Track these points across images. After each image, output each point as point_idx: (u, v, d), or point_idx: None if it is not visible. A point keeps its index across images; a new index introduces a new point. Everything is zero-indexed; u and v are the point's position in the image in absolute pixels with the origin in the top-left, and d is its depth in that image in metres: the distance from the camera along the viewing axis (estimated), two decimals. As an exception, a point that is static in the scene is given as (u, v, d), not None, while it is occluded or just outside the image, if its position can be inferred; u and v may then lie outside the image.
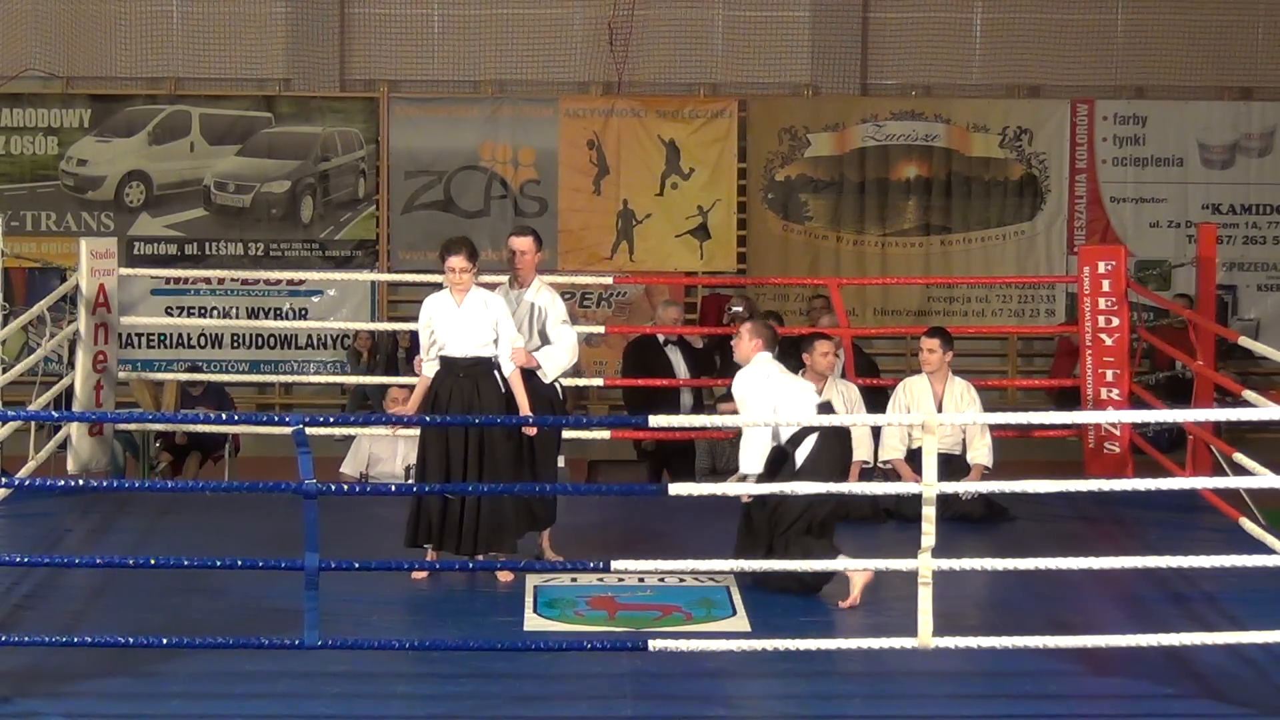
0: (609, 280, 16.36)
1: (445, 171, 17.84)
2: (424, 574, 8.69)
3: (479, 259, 8.87)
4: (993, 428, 10.46)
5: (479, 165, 17.87)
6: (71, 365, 11.04)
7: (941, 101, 18.01)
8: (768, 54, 18.02)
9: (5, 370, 10.83)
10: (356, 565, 7.43)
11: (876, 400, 11.04)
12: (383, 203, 17.85)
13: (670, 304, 12.81)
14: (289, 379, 17.35)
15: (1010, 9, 18.03)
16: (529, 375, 8.96)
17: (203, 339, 17.78)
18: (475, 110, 17.87)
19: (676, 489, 7.19)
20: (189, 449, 13.53)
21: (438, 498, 8.68)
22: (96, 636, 7.30)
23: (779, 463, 8.51)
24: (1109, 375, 11.29)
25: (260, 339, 17.85)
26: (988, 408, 11.04)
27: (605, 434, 11.75)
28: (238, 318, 17.59)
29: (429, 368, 8.88)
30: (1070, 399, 12.77)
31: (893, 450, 10.53)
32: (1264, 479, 7.76)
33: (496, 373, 8.81)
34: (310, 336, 17.76)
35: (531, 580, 8.61)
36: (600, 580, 8.59)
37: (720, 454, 11.54)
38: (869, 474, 10.50)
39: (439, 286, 8.89)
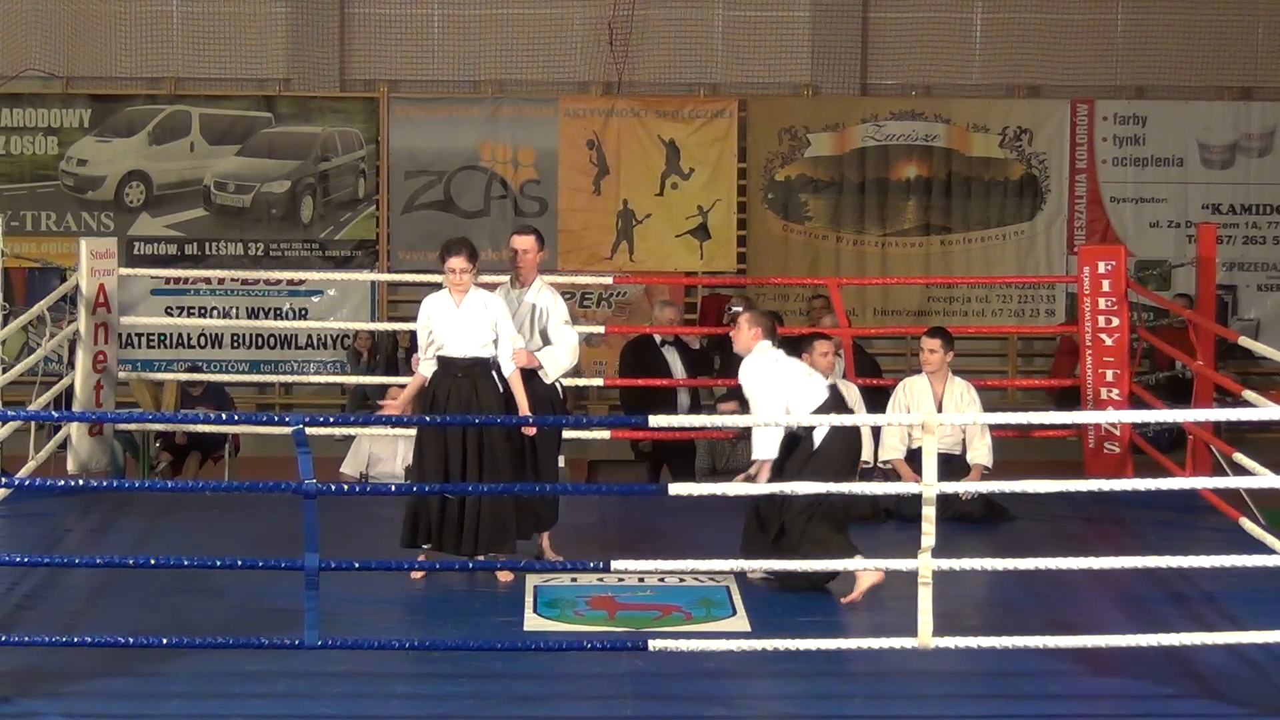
0: (609, 280, 16.35)
1: (445, 171, 17.84)
2: (421, 574, 8.69)
3: (479, 259, 8.87)
4: (993, 428, 10.46)
5: (479, 165, 17.86)
6: (71, 365, 11.04)
7: (941, 101, 18.01)
8: (768, 54, 18.01)
9: (5, 370, 10.83)
10: (356, 565, 7.43)
11: (879, 400, 11.04)
12: (383, 203, 17.85)
13: (667, 304, 12.81)
14: (289, 379, 17.35)
15: (1010, 9, 18.02)
16: (529, 375, 8.96)
17: (203, 339, 17.77)
18: (475, 110, 17.87)
19: (676, 489, 7.19)
20: (189, 449, 13.53)
21: (436, 498, 8.68)
22: (96, 636, 7.30)
23: (792, 447, 8.51)
24: (1109, 375, 11.29)
25: (260, 339, 17.84)
26: (988, 408, 11.04)
27: (605, 434, 11.75)
28: (238, 318, 17.59)
29: (426, 366, 8.89)
30: (1070, 399, 12.76)
31: (893, 450, 10.53)
32: (1264, 479, 7.76)
33: (495, 373, 8.81)
34: (310, 336, 17.76)
35: (531, 580, 8.61)
36: (600, 580, 8.59)
37: (721, 454, 11.54)
38: (869, 474, 10.50)
39: (439, 286, 8.89)
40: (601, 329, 12.73)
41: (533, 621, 8.04)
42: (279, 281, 17.63)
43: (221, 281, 17.58)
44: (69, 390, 10.92)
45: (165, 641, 7.09)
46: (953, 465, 10.18)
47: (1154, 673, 7.28)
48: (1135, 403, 11.34)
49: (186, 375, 13.87)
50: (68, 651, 7.27)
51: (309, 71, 17.91)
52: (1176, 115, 17.96)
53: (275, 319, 17.64)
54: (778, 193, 17.93)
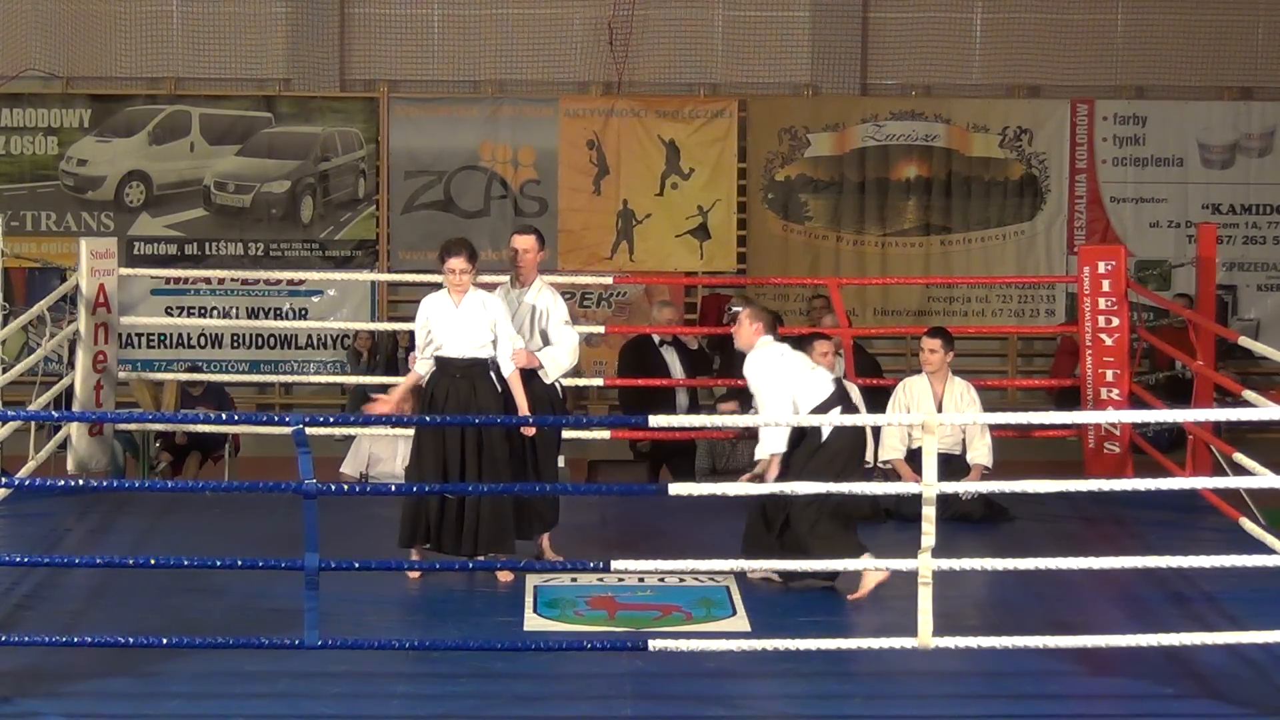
0: (609, 280, 16.36)
1: (445, 171, 17.83)
2: (418, 573, 8.69)
3: (478, 260, 8.88)
4: (993, 428, 10.46)
5: (479, 165, 17.86)
6: (71, 365, 11.04)
7: (941, 101, 18.01)
8: (768, 54, 18.01)
9: (5, 370, 10.83)
10: (356, 565, 7.43)
11: (880, 400, 11.04)
12: (383, 203, 17.84)
13: (665, 304, 12.81)
14: (289, 379, 17.34)
15: (1010, 9, 18.02)
16: (529, 376, 8.96)
17: (203, 339, 17.77)
18: (475, 110, 17.87)
19: (676, 489, 7.19)
20: (189, 449, 13.53)
21: (436, 499, 8.68)
22: (96, 636, 7.30)
23: (798, 441, 8.52)
24: (1109, 375, 11.29)
25: (260, 339, 17.84)
26: (988, 408, 11.04)
27: (605, 434, 11.76)
28: (238, 318, 17.59)
29: (421, 365, 8.89)
30: (1070, 399, 12.76)
31: (893, 450, 10.53)
32: (1264, 479, 7.76)
33: (493, 373, 8.80)
34: (310, 336, 17.76)
35: (531, 580, 8.61)
36: (600, 580, 8.59)
37: (721, 454, 11.54)
38: (869, 474, 10.50)
39: (439, 286, 8.89)
40: (601, 329, 12.72)
41: (533, 621, 8.04)
42: (279, 281, 17.62)
43: (221, 281, 17.57)
44: (69, 390, 10.92)
45: (165, 641, 7.09)
46: (953, 465, 10.18)
47: (1154, 673, 7.28)
48: (1135, 403, 11.34)
49: (186, 375, 13.87)
50: (68, 651, 7.27)
51: (309, 71, 17.90)
52: (1176, 115, 17.96)
53: (275, 319, 17.64)
54: (778, 193, 17.93)
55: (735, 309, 13.38)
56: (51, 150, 17.69)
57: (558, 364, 9.11)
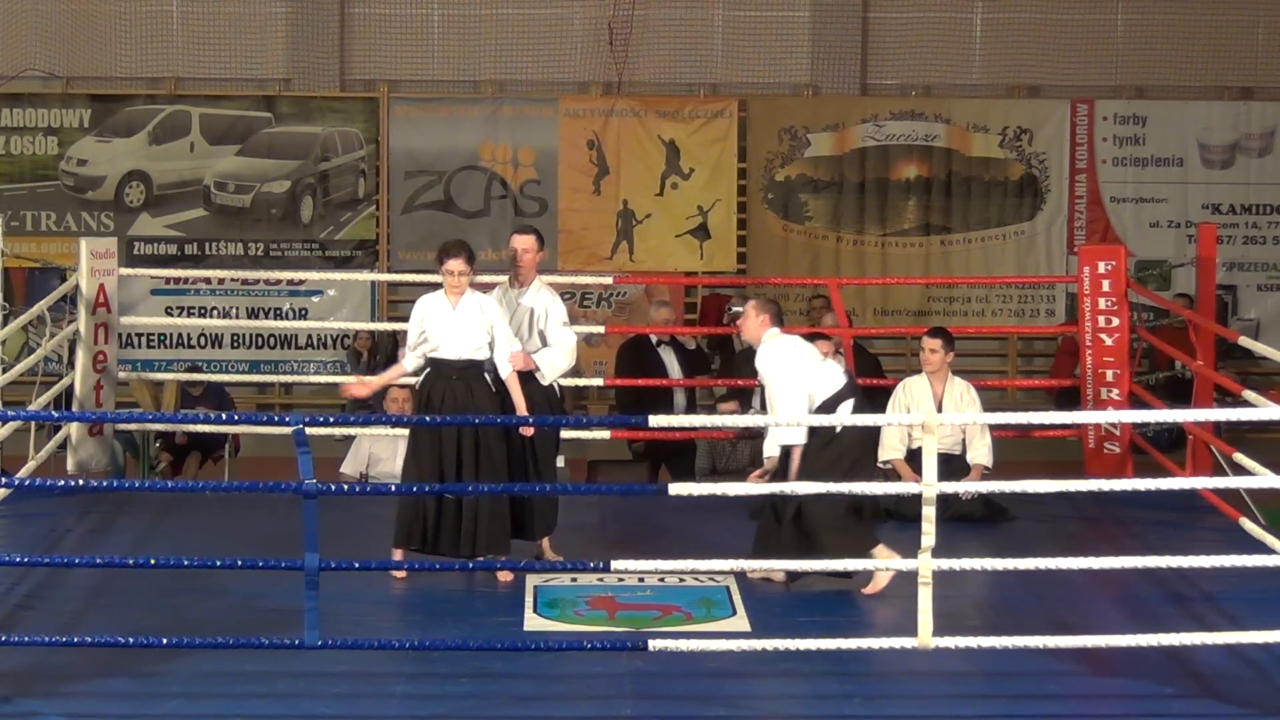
0: (609, 280, 16.36)
1: (445, 171, 17.83)
2: (404, 574, 8.67)
3: (476, 262, 8.88)
4: (993, 428, 10.46)
5: (479, 165, 17.86)
6: (71, 365, 11.04)
7: (941, 101, 18.01)
8: (768, 54, 18.00)
9: (5, 370, 10.83)
10: (356, 565, 7.43)
11: (880, 400, 11.03)
12: (383, 203, 17.84)
13: (662, 304, 12.81)
14: (289, 379, 17.33)
15: (1010, 9, 18.02)
16: (526, 377, 8.94)
17: (203, 339, 17.77)
18: (475, 110, 17.87)
19: (676, 489, 7.19)
20: (189, 449, 13.53)
21: (433, 501, 8.65)
22: (96, 636, 7.30)
23: (812, 433, 8.51)
24: (1109, 375, 11.29)
25: (260, 339, 17.84)
26: (988, 408, 11.04)
27: (605, 434, 11.76)
28: (238, 318, 17.58)
29: (409, 360, 8.88)
30: (1070, 399, 12.76)
31: (893, 450, 10.52)
32: (1264, 479, 7.76)
33: (489, 375, 8.80)
34: (310, 336, 17.75)
35: (531, 580, 8.61)
36: (600, 580, 8.59)
37: (721, 454, 11.54)
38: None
39: (439, 286, 8.88)
40: (601, 329, 12.73)
41: (533, 621, 8.04)
42: (279, 281, 17.62)
43: (221, 281, 17.57)
44: (69, 390, 10.92)
45: (165, 641, 7.09)
46: (953, 465, 10.17)
47: (1154, 673, 7.28)
48: (1135, 403, 11.34)
49: (186, 375, 13.87)
50: (68, 651, 7.27)
51: (309, 71, 17.90)
52: (1176, 115, 17.95)
53: (275, 319, 17.63)
54: (778, 193, 17.92)
55: (735, 309, 13.43)
56: (51, 150, 17.69)
57: (554, 366, 9.10)
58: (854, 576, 8.48)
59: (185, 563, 7.46)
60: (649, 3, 17.83)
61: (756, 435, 10.62)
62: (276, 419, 8.82)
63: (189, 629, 7.37)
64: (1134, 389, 11.39)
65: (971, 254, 17.95)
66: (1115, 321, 11.29)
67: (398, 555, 8.67)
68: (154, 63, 17.85)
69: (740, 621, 8.09)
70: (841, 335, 11.16)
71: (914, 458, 10.29)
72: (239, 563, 7.37)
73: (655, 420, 7.47)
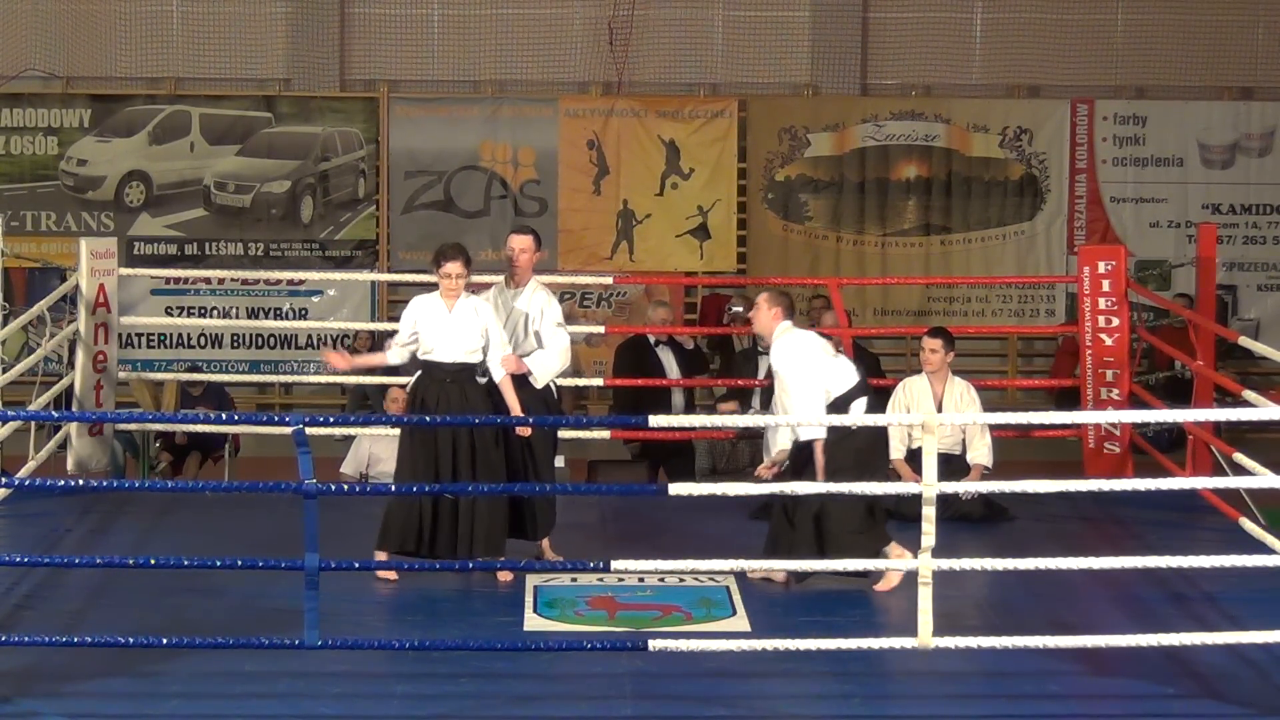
0: (609, 280, 16.36)
1: (445, 171, 17.84)
2: (394, 576, 8.64)
3: (475, 262, 8.87)
4: (993, 428, 10.46)
5: (479, 165, 17.86)
6: (71, 365, 11.04)
7: (941, 101, 18.01)
8: (768, 54, 18.01)
9: (5, 370, 10.83)
10: (356, 565, 7.44)
11: (880, 400, 11.02)
12: (383, 203, 17.84)
13: (659, 304, 12.80)
14: (289, 379, 17.34)
15: (1010, 9, 18.02)
16: (520, 379, 8.92)
17: (203, 339, 17.77)
18: (475, 110, 17.87)
19: (676, 489, 7.19)
20: (189, 449, 13.53)
21: (429, 505, 8.63)
22: (96, 636, 7.30)
23: (828, 430, 8.51)
24: (1109, 375, 11.29)
25: (260, 339, 17.84)
26: (988, 408, 11.04)
27: (605, 434, 11.75)
28: (238, 318, 17.58)
29: (394, 355, 8.86)
30: (1070, 399, 12.76)
31: (893, 450, 10.51)
32: (1264, 479, 7.76)
33: (481, 379, 8.78)
34: (310, 336, 17.75)
35: (531, 580, 8.61)
36: (600, 580, 8.59)
37: (720, 454, 11.54)
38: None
39: (438, 287, 8.87)
40: (601, 329, 12.73)
41: (533, 621, 8.04)
42: (279, 281, 17.62)
43: (221, 281, 17.57)
44: (69, 390, 10.92)
45: (165, 641, 7.09)
46: (953, 465, 10.17)
47: (1154, 673, 7.28)
48: (1135, 403, 11.34)
49: (186, 375, 13.87)
50: (68, 651, 7.27)
51: (309, 71, 17.90)
52: (1176, 115, 17.96)
53: (275, 319, 17.63)
54: (778, 193, 17.93)
55: (736, 309, 13.44)
56: (51, 150, 17.69)
57: (546, 368, 9.05)
58: (869, 575, 8.48)
59: (185, 563, 7.46)
60: (649, 3, 17.83)
61: (756, 435, 10.63)
62: (276, 419, 8.81)
63: (189, 629, 7.37)
64: (1134, 389, 11.39)
65: (971, 254, 17.96)
66: (1115, 321, 11.28)
67: (381, 557, 8.64)
68: (154, 63, 17.85)
69: (740, 621, 8.09)
70: (841, 335, 11.15)
71: (914, 458, 10.28)
72: (239, 563, 7.37)
73: (655, 420, 7.47)
